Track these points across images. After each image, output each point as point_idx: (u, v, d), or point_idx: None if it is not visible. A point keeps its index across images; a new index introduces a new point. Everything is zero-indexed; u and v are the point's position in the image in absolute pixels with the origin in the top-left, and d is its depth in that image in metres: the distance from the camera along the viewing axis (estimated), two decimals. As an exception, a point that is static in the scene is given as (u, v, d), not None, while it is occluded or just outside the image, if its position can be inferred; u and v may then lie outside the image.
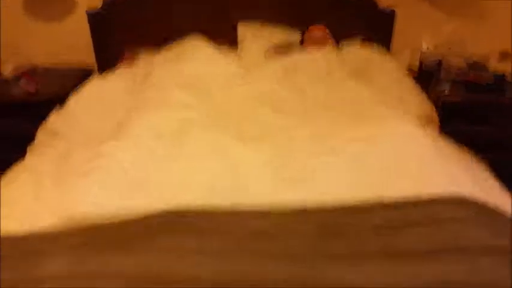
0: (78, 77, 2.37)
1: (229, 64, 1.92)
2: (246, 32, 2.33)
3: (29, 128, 1.79)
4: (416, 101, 1.85)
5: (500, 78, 2.28)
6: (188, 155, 1.35)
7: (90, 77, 2.07)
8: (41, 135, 1.69)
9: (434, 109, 1.85)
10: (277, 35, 2.31)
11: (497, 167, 1.57)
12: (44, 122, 1.76)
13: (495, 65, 2.34)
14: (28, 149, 1.66)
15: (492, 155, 1.85)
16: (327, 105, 1.64)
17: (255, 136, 1.44)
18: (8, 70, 2.32)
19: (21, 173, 1.39)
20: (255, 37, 2.26)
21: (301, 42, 2.25)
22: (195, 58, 1.91)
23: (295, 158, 1.32)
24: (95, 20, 2.40)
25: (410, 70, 2.47)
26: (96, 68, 2.51)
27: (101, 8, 2.39)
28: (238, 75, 1.83)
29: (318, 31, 2.21)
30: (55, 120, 1.75)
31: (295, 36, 2.28)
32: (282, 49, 2.16)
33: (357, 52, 2.11)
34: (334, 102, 1.66)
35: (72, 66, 2.50)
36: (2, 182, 1.36)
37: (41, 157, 1.47)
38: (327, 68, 1.90)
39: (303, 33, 2.27)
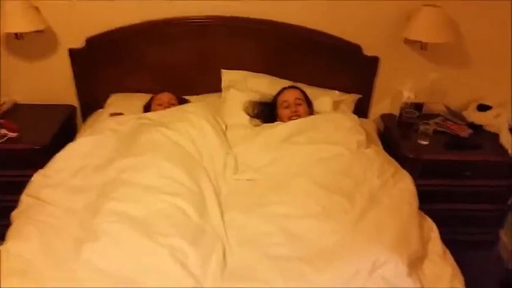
0: (61, 115, 2.40)
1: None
2: (229, 79, 2.36)
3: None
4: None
5: (478, 129, 2.34)
6: None
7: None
8: (26, 202, 1.68)
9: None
10: (260, 83, 2.33)
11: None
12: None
13: (473, 115, 2.39)
14: (12, 216, 1.66)
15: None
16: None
17: None
18: (-12, 110, 2.29)
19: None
20: (237, 89, 2.28)
21: (274, 102, 2.21)
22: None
23: None
24: (77, 57, 2.38)
25: (389, 115, 2.53)
26: (78, 107, 2.52)
27: (84, 46, 2.37)
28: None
29: (290, 95, 2.17)
30: (39, 184, 1.75)
31: (278, 84, 2.29)
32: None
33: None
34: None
35: (54, 103, 2.48)
36: None
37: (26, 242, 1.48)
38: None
39: (276, 96, 2.22)
